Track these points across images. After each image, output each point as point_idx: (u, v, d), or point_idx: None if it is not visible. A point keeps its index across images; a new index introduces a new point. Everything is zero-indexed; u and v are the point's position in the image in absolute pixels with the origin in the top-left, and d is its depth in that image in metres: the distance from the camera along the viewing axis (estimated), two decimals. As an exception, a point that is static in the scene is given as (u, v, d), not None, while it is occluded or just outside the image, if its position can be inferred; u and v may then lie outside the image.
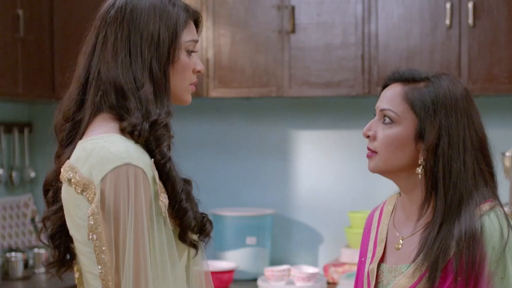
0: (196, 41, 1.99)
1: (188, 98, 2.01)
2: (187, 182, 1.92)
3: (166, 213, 1.84)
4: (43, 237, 1.98)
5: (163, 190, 1.85)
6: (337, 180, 4.38)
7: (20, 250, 4.32)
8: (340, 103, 4.35)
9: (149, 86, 1.88)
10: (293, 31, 4.05)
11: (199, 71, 2.00)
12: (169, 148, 1.88)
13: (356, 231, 4.12)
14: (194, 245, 1.91)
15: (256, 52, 4.12)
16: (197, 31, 2.03)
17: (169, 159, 1.87)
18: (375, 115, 2.15)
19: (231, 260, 4.21)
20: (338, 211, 4.33)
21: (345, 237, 4.23)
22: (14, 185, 4.65)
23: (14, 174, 4.64)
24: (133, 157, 1.79)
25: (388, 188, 4.19)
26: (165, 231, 1.84)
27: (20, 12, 4.14)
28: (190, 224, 1.87)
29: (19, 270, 4.22)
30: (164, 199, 1.83)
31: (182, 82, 1.96)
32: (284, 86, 4.07)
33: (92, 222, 1.78)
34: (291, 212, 4.47)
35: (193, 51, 1.98)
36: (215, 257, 4.26)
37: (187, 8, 1.97)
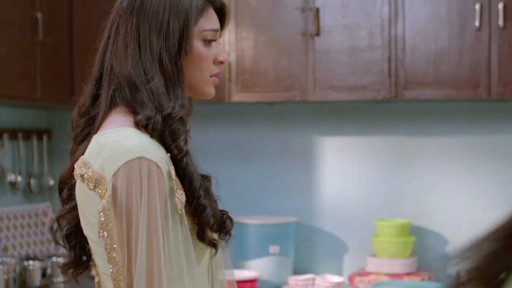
0: (216, 30, 1.90)
1: (210, 91, 1.91)
2: (205, 178, 1.83)
3: (183, 210, 1.74)
4: (58, 237, 1.90)
5: (180, 186, 1.76)
6: (362, 188, 4.26)
7: (38, 259, 4.25)
8: (366, 108, 4.22)
9: (159, 78, 1.81)
10: (318, 33, 3.94)
11: (221, 62, 1.90)
12: (186, 143, 1.79)
13: (382, 239, 4.00)
14: (213, 244, 1.82)
15: (280, 56, 4.01)
16: (224, 20, 1.93)
17: (186, 153, 1.78)
18: None
19: (253, 269, 4.12)
20: (363, 219, 4.22)
21: (371, 245, 4.11)
22: (33, 193, 4.58)
23: (32, 181, 4.57)
24: (146, 150, 1.70)
25: (415, 196, 4.11)
26: (182, 229, 1.74)
27: (39, 15, 4.08)
28: (208, 222, 1.77)
29: (37, 279, 4.16)
30: (180, 195, 1.74)
31: (200, 74, 1.87)
32: (308, 90, 3.96)
33: (103, 219, 1.69)
34: (315, 220, 4.36)
35: (212, 40, 1.88)
36: (237, 266, 4.15)
37: None
